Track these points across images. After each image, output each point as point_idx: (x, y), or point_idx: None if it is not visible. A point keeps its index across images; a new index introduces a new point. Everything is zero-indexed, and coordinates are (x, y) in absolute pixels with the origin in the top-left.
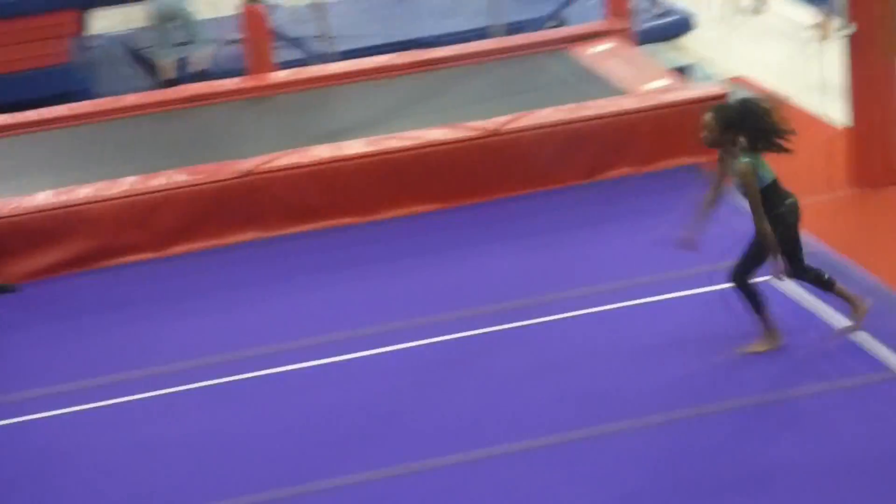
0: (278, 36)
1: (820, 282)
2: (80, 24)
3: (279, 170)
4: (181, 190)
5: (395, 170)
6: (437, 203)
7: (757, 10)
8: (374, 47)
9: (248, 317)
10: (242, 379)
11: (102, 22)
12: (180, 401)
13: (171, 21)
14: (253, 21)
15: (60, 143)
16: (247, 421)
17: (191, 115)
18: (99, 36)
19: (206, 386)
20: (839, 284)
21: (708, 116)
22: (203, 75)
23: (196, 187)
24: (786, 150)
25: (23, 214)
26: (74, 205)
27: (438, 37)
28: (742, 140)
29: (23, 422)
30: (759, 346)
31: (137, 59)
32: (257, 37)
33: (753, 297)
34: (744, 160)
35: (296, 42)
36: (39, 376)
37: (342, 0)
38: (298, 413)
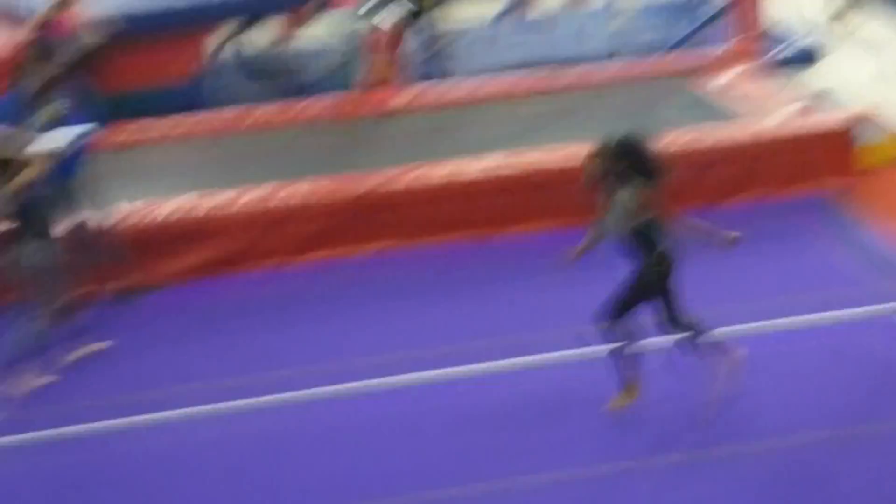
0: (407, 55)
1: (691, 334)
2: (209, 41)
3: (407, 185)
4: (315, 199)
5: (530, 186)
6: (558, 221)
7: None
8: (501, 69)
9: (370, 326)
10: (361, 386)
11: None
12: (301, 405)
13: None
14: (381, 40)
15: (196, 152)
16: (362, 427)
17: (319, 131)
18: (229, 52)
19: (329, 391)
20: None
21: (590, 154)
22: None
23: (329, 197)
24: (658, 181)
25: (160, 219)
26: (211, 210)
27: (567, 60)
28: (622, 173)
29: (152, 419)
30: (619, 402)
31: (267, 75)
32: (385, 56)
33: (624, 339)
34: (626, 190)
35: (424, 62)
36: (170, 376)
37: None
38: (418, 421)
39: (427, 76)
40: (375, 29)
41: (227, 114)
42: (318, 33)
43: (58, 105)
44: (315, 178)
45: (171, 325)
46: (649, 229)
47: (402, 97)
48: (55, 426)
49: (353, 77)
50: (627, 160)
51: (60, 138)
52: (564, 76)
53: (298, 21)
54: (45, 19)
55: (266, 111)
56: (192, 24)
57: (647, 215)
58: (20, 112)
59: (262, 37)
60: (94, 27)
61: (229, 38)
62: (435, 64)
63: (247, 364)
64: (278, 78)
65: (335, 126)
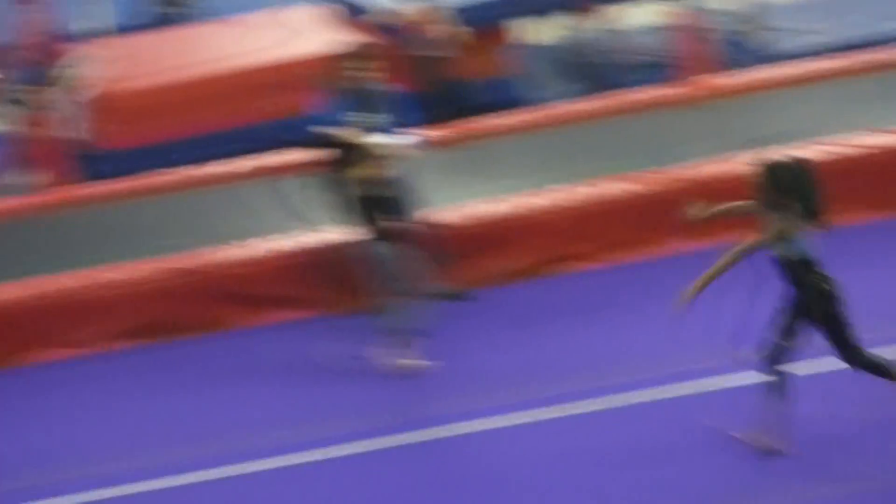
0: (715, 40)
1: (879, 370)
2: (517, 35)
3: (729, 176)
4: (629, 198)
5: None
6: (868, 212)
7: None
8: (816, 49)
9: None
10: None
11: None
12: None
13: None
14: (687, 26)
15: (506, 150)
16: (655, 439)
17: (628, 123)
18: (538, 45)
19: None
20: None
21: (759, 173)
22: None
23: (644, 196)
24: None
25: (481, 222)
26: (531, 213)
27: (883, 37)
28: (792, 207)
29: (471, 432)
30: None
31: (576, 68)
32: (692, 42)
33: (879, 369)
34: (787, 221)
35: (735, 45)
36: (494, 382)
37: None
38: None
39: (736, 63)
40: (684, 17)
41: (542, 108)
42: (629, 22)
43: (389, 109)
44: (633, 172)
45: (492, 327)
46: (813, 260)
47: (714, 84)
48: (401, 430)
49: (664, 67)
50: (786, 193)
51: (394, 141)
52: (883, 53)
53: (606, 11)
54: (387, 20)
55: (579, 104)
56: (504, 17)
57: (808, 251)
58: (347, 112)
59: (571, 27)
60: (441, 33)
61: (549, 30)
62: (744, 50)
63: (566, 368)
64: (590, 69)
65: (650, 117)
